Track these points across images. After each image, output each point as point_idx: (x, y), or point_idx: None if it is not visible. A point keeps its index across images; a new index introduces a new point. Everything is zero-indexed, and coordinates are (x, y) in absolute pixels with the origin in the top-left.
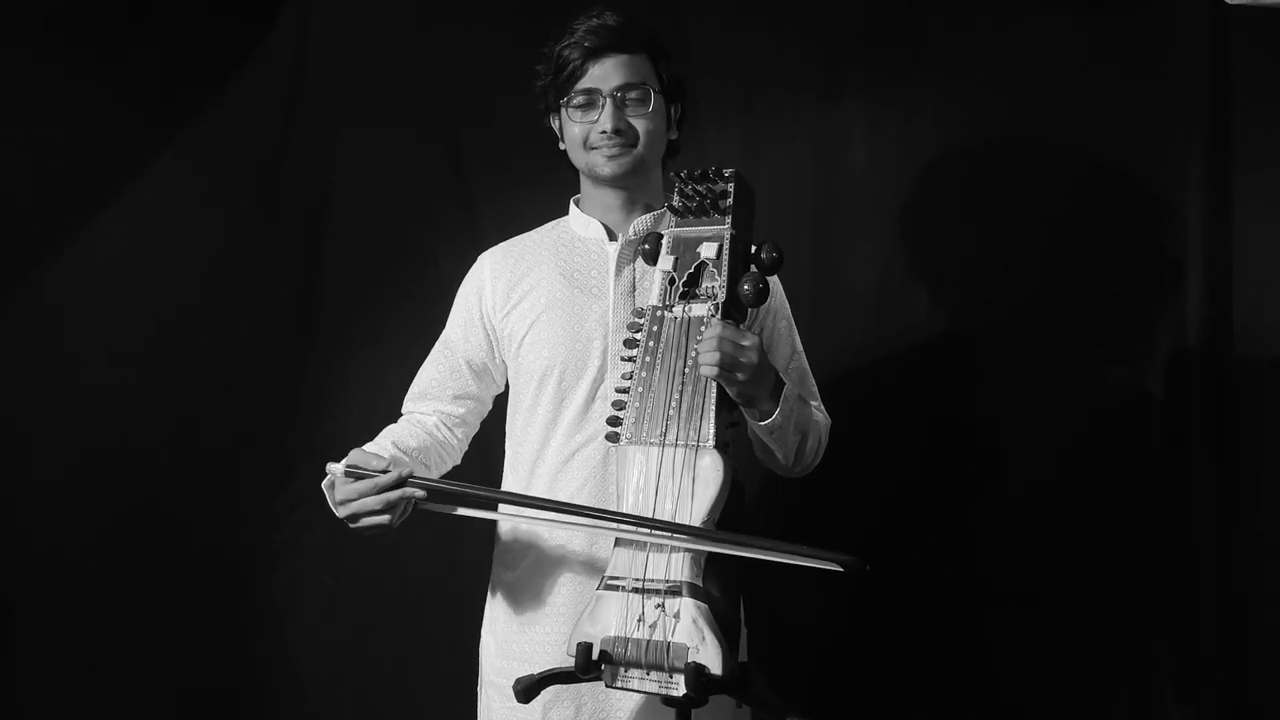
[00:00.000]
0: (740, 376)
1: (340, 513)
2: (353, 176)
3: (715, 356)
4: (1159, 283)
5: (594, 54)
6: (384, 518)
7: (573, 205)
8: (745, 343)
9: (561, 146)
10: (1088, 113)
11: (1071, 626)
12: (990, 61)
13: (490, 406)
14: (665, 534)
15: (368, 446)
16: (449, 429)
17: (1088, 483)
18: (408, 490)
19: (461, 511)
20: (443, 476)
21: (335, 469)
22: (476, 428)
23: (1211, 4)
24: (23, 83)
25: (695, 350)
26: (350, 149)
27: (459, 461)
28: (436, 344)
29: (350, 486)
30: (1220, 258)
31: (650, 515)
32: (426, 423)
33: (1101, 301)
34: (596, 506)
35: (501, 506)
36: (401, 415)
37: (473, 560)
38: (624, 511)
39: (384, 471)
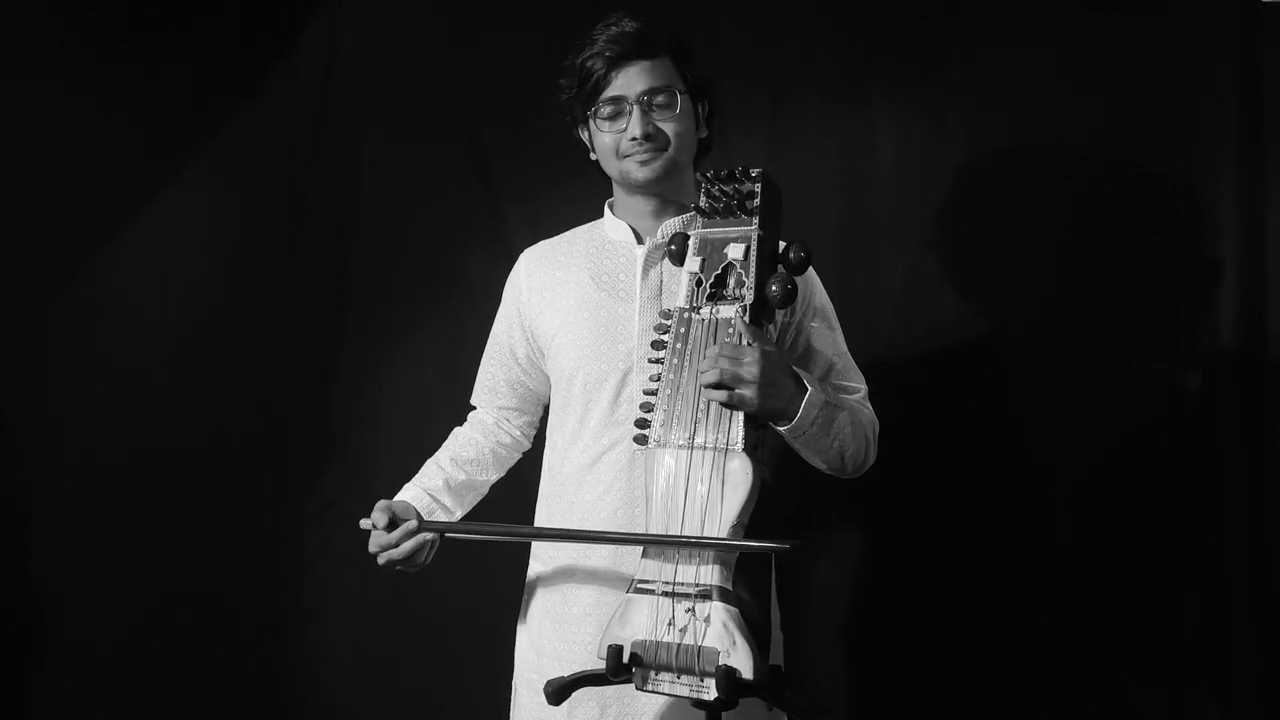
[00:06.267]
0: (746, 393)
1: (379, 562)
2: (381, 184)
3: (714, 375)
4: (1191, 283)
5: (616, 62)
6: (412, 561)
7: (606, 208)
8: (745, 358)
9: (593, 157)
10: (1117, 112)
11: (1105, 627)
12: (1018, 62)
13: (547, 397)
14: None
15: (419, 475)
16: (509, 423)
17: (1120, 483)
18: (422, 537)
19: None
20: (510, 468)
21: (366, 524)
22: (538, 414)
23: (1241, 1)
24: (59, 95)
25: (699, 370)
26: (379, 157)
27: (528, 446)
28: (489, 338)
29: (375, 540)
30: (1254, 257)
31: (679, 519)
32: (487, 422)
33: (1132, 302)
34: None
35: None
36: (469, 412)
37: (505, 561)
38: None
39: (397, 523)
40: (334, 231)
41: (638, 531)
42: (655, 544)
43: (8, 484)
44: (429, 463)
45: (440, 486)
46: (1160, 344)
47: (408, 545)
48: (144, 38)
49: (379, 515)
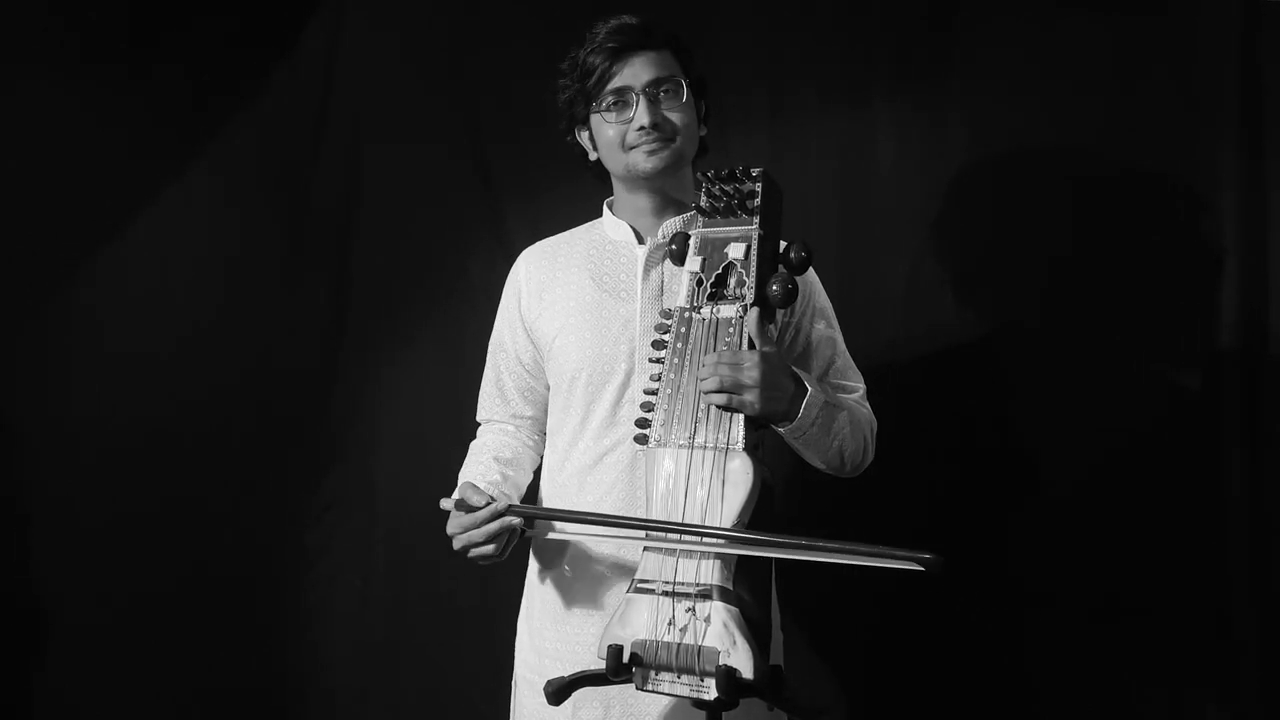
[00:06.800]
0: (748, 398)
1: (454, 545)
2: (381, 184)
3: (715, 382)
4: (1192, 283)
5: (620, 53)
6: (489, 548)
7: (606, 208)
8: (745, 363)
9: (593, 157)
10: (1117, 112)
11: (1107, 627)
12: (1019, 63)
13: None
14: (748, 545)
15: (468, 470)
16: (527, 430)
17: (1121, 482)
18: (507, 520)
19: (555, 535)
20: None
21: (447, 504)
22: (545, 420)
23: (1242, 1)
24: (59, 96)
25: (699, 378)
26: (379, 157)
27: (543, 450)
28: (489, 346)
29: (456, 521)
30: (1255, 256)
31: (680, 518)
32: (508, 429)
33: (1133, 302)
34: (672, 522)
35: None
36: (477, 428)
37: (507, 561)
38: (687, 522)
39: (486, 505)
40: (334, 231)
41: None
42: (781, 550)
43: (8, 484)
44: (472, 464)
45: (499, 480)
46: (1160, 344)
47: (492, 527)
48: (144, 38)
49: (473, 494)
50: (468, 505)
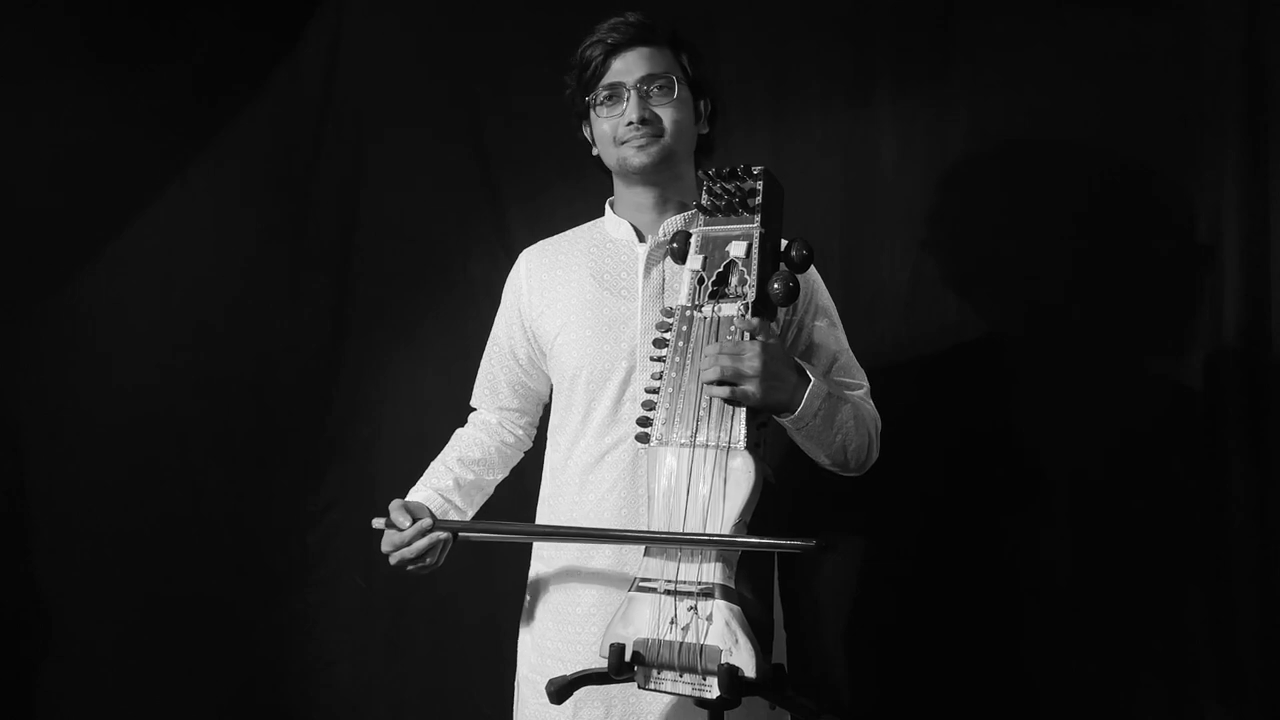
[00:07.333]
0: (749, 388)
1: (391, 561)
2: (383, 180)
3: (715, 372)
4: (1194, 282)
5: (616, 49)
6: (423, 561)
7: (608, 207)
8: (745, 353)
9: (595, 152)
10: (1119, 111)
11: (1108, 627)
12: (1020, 60)
13: (548, 397)
14: (662, 537)
15: (427, 474)
16: (511, 423)
17: (1123, 483)
18: (434, 536)
19: (484, 537)
20: (512, 469)
21: (379, 523)
22: (539, 414)
23: (1246, 1)
24: (62, 95)
25: (700, 369)
26: (381, 153)
27: (530, 445)
28: (489, 339)
29: (387, 539)
30: (1256, 255)
31: (681, 517)
32: (490, 422)
33: (1135, 301)
34: (575, 527)
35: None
36: (469, 413)
37: (508, 561)
38: (654, 527)
39: (413, 524)
40: (335, 231)
41: (642, 530)
42: (678, 544)
43: (8, 484)
44: (435, 464)
45: (450, 486)
46: (1162, 343)
47: (421, 544)
48: (146, 35)
49: (398, 514)
50: (396, 525)
